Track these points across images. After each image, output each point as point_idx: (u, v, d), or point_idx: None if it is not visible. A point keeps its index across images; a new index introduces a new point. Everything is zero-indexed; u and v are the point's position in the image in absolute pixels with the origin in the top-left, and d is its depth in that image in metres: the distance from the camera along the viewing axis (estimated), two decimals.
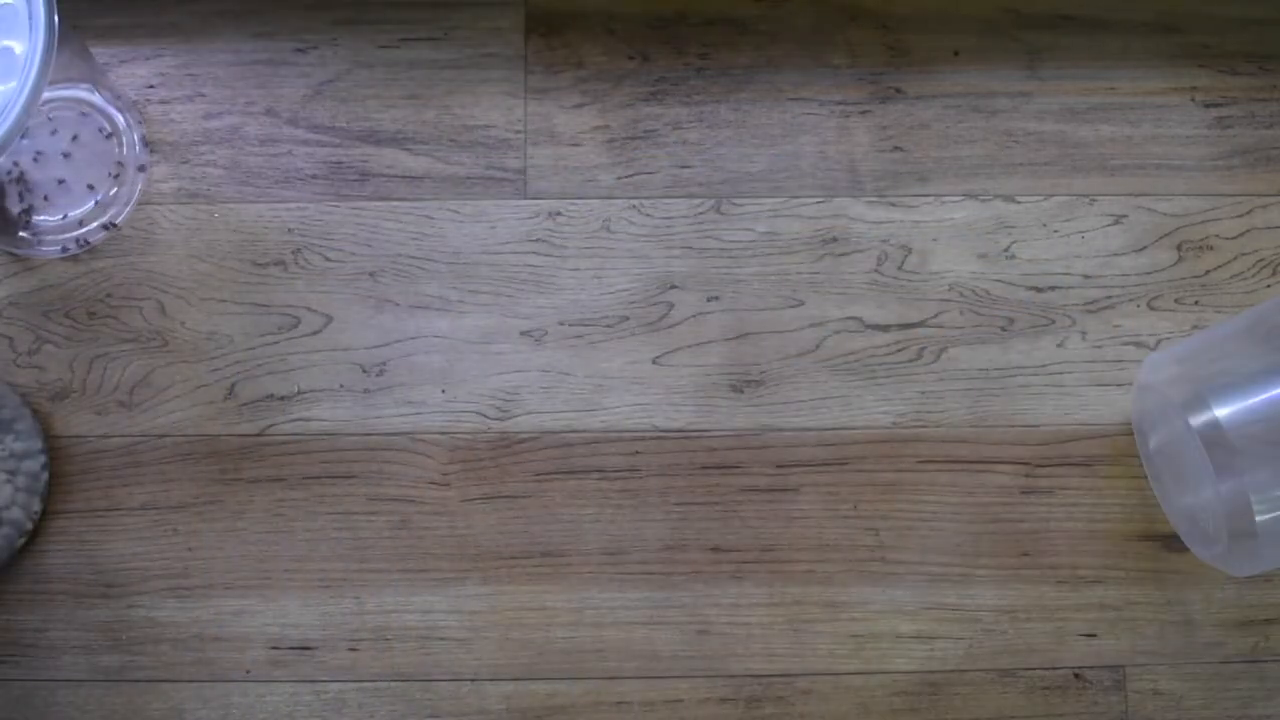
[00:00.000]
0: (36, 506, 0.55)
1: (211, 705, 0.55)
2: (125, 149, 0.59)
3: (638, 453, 0.57)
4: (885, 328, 0.58)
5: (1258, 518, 0.49)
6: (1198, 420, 0.50)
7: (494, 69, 0.61)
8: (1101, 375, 0.58)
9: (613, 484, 0.57)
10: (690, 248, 0.59)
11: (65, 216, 0.58)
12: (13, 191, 0.58)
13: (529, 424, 0.57)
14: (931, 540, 0.57)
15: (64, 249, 0.58)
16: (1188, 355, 0.53)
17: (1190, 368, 0.52)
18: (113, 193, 0.58)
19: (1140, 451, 0.57)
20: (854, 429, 0.57)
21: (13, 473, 0.53)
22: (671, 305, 0.58)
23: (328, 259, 0.58)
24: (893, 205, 0.60)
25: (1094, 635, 0.56)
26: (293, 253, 0.59)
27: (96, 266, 0.58)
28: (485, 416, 0.57)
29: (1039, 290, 0.59)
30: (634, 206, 0.59)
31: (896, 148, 0.60)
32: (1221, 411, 0.49)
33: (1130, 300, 0.59)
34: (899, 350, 0.58)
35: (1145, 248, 0.59)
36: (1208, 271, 0.59)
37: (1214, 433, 0.49)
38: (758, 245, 0.59)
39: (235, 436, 0.57)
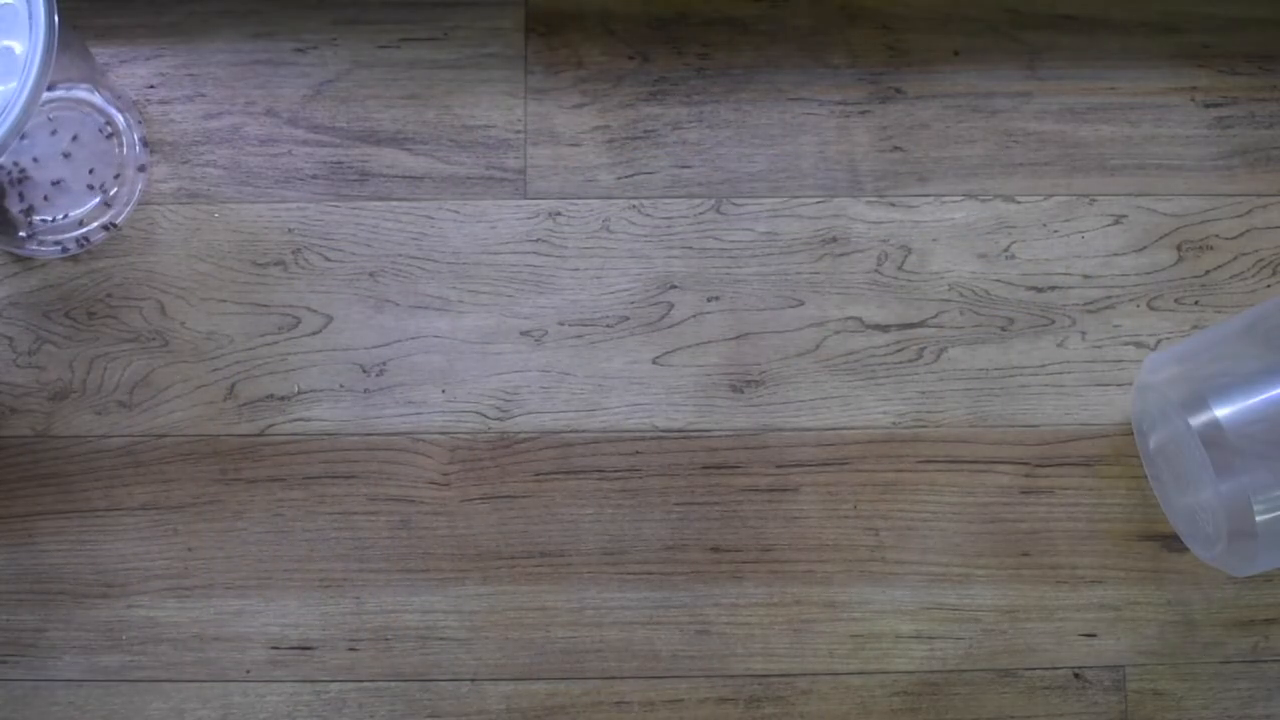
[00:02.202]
0: None
1: (211, 705, 0.55)
2: (125, 149, 0.59)
3: (638, 453, 0.57)
4: (885, 328, 0.58)
5: (1258, 518, 0.49)
6: (1198, 420, 0.50)
7: (494, 69, 0.61)
8: (1101, 375, 0.58)
9: (613, 484, 0.57)
10: (690, 248, 0.59)
11: (65, 216, 0.58)
12: (13, 191, 0.58)
13: (529, 424, 0.57)
14: (931, 540, 0.57)
15: (64, 249, 0.58)
16: (1188, 355, 0.53)
17: (1190, 367, 0.52)
18: (113, 193, 0.58)
19: (1140, 451, 0.57)
20: (854, 429, 0.57)
21: None
22: (671, 305, 0.58)
23: (328, 259, 0.59)
24: (893, 205, 0.60)
25: (1094, 635, 0.56)
26: (293, 253, 0.59)
27: (96, 266, 0.58)
28: (485, 416, 0.57)
29: (1039, 290, 0.59)
30: (634, 206, 0.59)
31: (896, 148, 0.60)
32: (1221, 411, 0.49)
33: (1130, 300, 0.59)
34: (899, 350, 0.58)
35: (1145, 248, 0.59)
36: (1208, 271, 0.59)
37: (1214, 433, 0.49)
38: (758, 245, 0.59)
39: (235, 436, 0.57)
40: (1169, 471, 0.55)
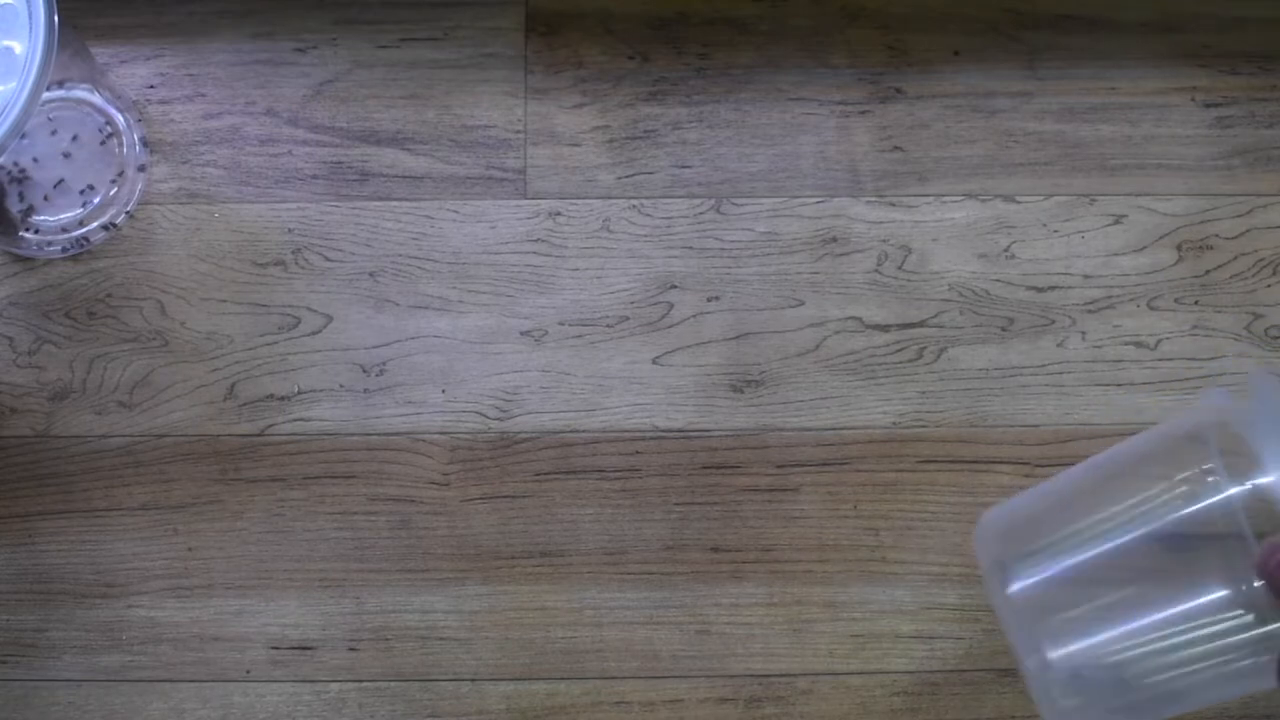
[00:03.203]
0: None
1: (211, 705, 0.55)
2: (125, 149, 0.59)
3: (638, 453, 0.57)
4: (885, 328, 0.58)
5: (1059, 701, 0.45)
6: (1001, 589, 0.47)
7: (494, 69, 0.61)
8: (1101, 375, 0.58)
9: (613, 484, 0.57)
10: (690, 248, 0.59)
11: (66, 216, 0.58)
12: (13, 191, 0.58)
13: (529, 424, 0.57)
14: (931, 540, 0.57)
15: (64, 249, 0.58)
16: (1004, 516, 0.50)
17: (1005, 531, 0.49)
18: (113, 193, 0.58)
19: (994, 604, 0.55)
20: (854, 429, 0.57)
21: None
22: (671, 305, 0.58)
23: (328, 259, 0.59)
24: (893, 205, 0.60)
25: None
26: (293, 253, 0.59)
27: (96, 266, 0.58)
28: (485, 416, 0.57)
29: (1039, 290, 0.59)
30: (634, 206, 0.59)
31: (896, 148, 0.60)
32: (1015, 585, 0.46)
33: (1130, 300, 0.59)
34: (899, 350, 0.58)
35: (1145, 248, 0.59)
36: (1208, 271, 0.59)
37: (1010, 605, 0.46)
38: (758, 245, 0.59)
39: (235, 436, 0.57)
40: (1008, 630, 0.52)
